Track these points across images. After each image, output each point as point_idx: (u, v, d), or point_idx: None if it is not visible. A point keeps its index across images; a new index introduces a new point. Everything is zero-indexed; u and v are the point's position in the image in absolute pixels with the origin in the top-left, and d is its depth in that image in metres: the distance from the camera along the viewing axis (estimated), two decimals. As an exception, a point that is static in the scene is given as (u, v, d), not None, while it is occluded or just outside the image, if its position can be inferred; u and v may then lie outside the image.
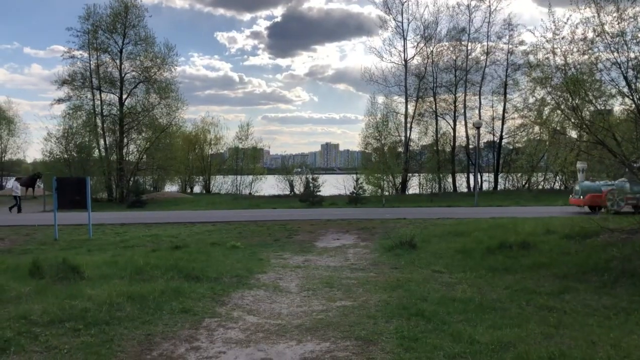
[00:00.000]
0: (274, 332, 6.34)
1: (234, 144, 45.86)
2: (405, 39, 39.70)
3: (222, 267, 10.29)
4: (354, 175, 32.59)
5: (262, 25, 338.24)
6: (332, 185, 24.54)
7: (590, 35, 10.81)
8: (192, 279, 9.02)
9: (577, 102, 11.38)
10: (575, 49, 11.16)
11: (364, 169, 38.55)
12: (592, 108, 11.89)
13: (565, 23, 11.23)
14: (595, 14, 10.66)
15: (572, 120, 11.93)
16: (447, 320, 6.61)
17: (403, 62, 39.53)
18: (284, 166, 43.04)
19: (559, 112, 12.32)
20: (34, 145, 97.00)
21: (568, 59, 11.26)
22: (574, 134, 13.79)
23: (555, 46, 11.38)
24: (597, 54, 11.07)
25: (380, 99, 42.60)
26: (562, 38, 11.25)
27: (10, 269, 9.72)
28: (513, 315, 6.87)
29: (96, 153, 37.58)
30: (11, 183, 26.01)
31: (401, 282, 9.02)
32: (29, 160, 54.21)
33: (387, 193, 36.91)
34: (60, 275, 8.81)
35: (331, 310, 7.29)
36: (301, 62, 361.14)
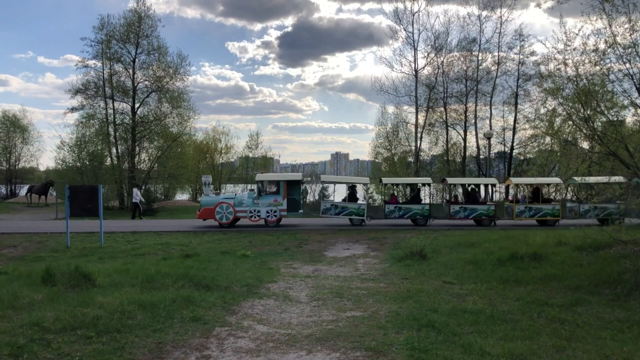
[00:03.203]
0: (284, 342, 6.35)
1: (244, 153, 46.09)
2: (415, 49, 39.74)
3: (233, 275, 10.32)
4: (365, 185, 32.55)
5: (272, 35, 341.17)
6: (342, 194, 24.53)
7: (602, 46, 10.79)
8: (202, 287, 9.05)
9: (588, 113, 11.32)
10: (586, 60, 11.13)
11: (375, 179, 38.50)
12: (604, 119, 11.81)
13: (577, 34, 11.22)
14: (607, 25, 10.65)
15: (584, 131, 11.87)
16: (458, 331, 6.58)
17: (413, 72, 39.55)
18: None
19: (570, 122, 12.26)
20: (47, 153, 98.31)
21: (579, 69, 11.24)
22: (585, 145, 13.69)
23: (566, 57, 11.37)
24: (609, 65, 11.03)
25: (391, 109, 42.67)
26: (574, 49, 11.25)
27: (23, 276, 9.83)
28: (524, 328, 6.82)
29: (108, 161, 37.93)
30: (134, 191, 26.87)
31: (411, 292, 8.99)
32: (42, 168, 54.72)
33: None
34: (73, 283, 8.89)
35: (341, 321, 7.29)
36: (311, 72, 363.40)
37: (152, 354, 5.86)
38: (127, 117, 37.41)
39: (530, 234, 15.13)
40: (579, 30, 11.23)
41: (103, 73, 36.64)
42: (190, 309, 7.60)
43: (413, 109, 39.89)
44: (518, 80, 38.74)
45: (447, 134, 39.96)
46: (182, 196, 46.31)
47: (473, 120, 39.88)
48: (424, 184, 25.12)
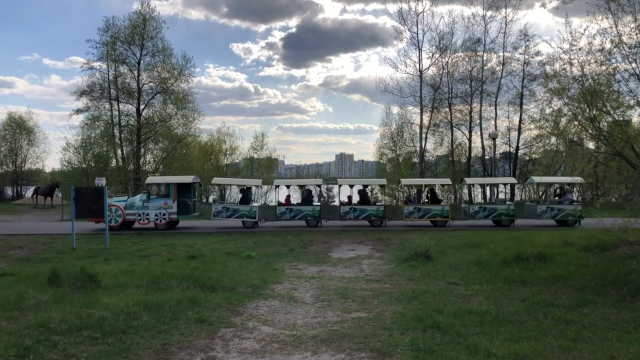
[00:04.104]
0: (289, 343, 6.34)
1: (249, 154, 46.11)
2: (420, 50, 39.70)
3: (238, 277, 10.33)
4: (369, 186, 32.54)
5: (277, 36, 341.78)
6: (347, 195, 24.52)
7: (607, 46, 10.75)
8: (207, 288, 9.06)
9: (594, 113, 11.29)
10: (592, 60, 11.09)
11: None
12: (609, 119, 11.77)
13: (582, 34, 11.19)
14: (613, 25, 10.61)
15: (590, 131, 11.83)
16: (463, 332, 6.56)
17: (418, 72, 39.51)
18: (299, 176, 43.08)
19: (576, 123, 12.23)
20: (52, 155, 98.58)
21: (585, 69, 11.20)
22: (591, 145, 13.64)
23: (572, 57, 11.35)
24: (615, 64, 10.99)
25: (395, 110, 42.56)
26: (579, 49, 11.22)
27: (29, 278, 9.87)
28: (530, 329, 6.80)
29: (114, 163, 38.07)
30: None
31: (416, 293, 8.98)
32: (48, 169, 54.97)
33: (402, 204, 36.72)
34: (78, 284, 8.91)
35: (346, 322, 7.28)
36: (316, 73, 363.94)
37: (157, 355, 5.87)
38: (132, 119, 37.57)
39: (535, 234, 15.07)
40: (585, 30, 11.21)
41: (108, 75, 36.85)
42: (195, 310, 7.61)
43: (418, 110, 39.85)
44: (523, 80, 38.64)
45: (452, 134, 39.89)
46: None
47: (478, 121, 39.81)
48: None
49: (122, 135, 37.61)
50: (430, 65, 39.62)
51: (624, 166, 11.18)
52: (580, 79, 11.28)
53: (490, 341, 6.18)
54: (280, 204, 23.64)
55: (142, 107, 37.25)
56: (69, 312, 7.11)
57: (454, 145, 40.02)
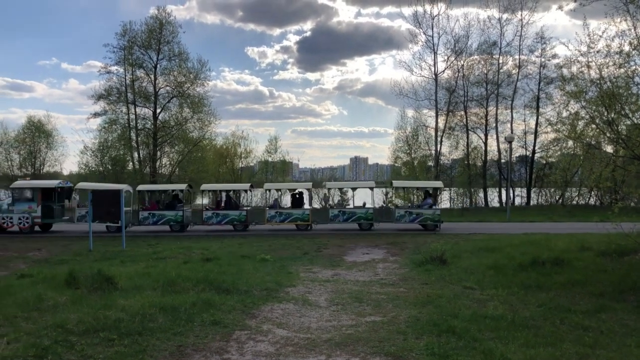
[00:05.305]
0: (304, 346, 6.35)
1: (264, 157, 46.23)
2: (435, 53, 39.54)
3: (252, 279, 10.37)
4: (383, 189, 32.47)
5: (291, 40, 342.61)
6: (361, 198, 24.50)
7: (626, 48, 10.61)
8: (222, 291, 9.11)
9: (612, 116, 11.14)
10: (610, 63, 10.96)
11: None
12: (628, 122, 11.61)
13: (601, 36, 11.05)
14: (632, 27, 10.48)
15: (608, 135, 11.68)
16: (479, 337, 6.51)
17: (433, 75, 39.36)
18: (313, 179, 43.07)
19: (593, 126, 12.07)
20: (70, 158, 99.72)
21: (603, 72, 11.06)
22: (609, 148, 13.45)
23: (589, 59, 11.20)
24: (634, 67, 10.84)
25: (410, 113, 42.46)
26: (597, 51, 11.07)
27: (48, 279, 10.02)
28: (547, 334, 6.72)
29: (130, 166, 38.44)
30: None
31: (431, 298, 8.93)
32: (66, 172, 55.52)
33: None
34: (95, 286, 9.02)
35: (361, 325, 7.27)
36: (330, 76, 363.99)
37: (173, 356, 5.91)
38: (149, 122, 37.95)
39: (552, 238, 14.91)
40: (603, 32, 11.07)
41: (125, 79, 37.29)
42: (210, 312, 7.65)
43: (433, 113, 39.68)
44: (540, 83, 38.29)
45: (467, 137, 39.63)
46: (202, 200, 46.59)
47: (494, 124, 39.52)
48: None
49: (139, 139, 38.00)
50: (445, 69, 39.48)
51: (644, 170, 11.02)
52: (598, 81, 11.15)
53: (505, 346, 6.13)
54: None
55: (158, 110, 37.63)
56: (87, 313, 7.20)
57: (470, 149, 39.76)
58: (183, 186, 25.68)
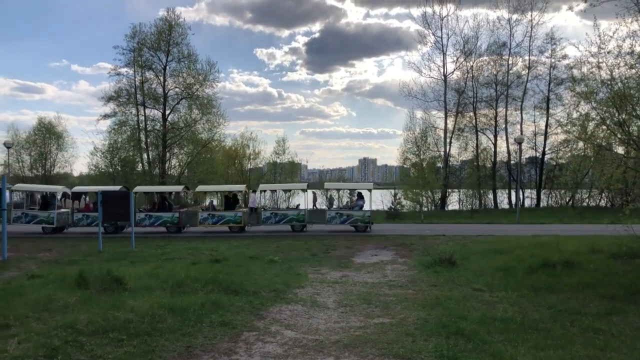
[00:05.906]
0: (312, 348, 6.34)
1: (272, 159, 46.32)
2: (444, 54, 39.52)
3: (261, 280, 10.38)
4: (392, 191, 32.44)
5: (300, 42, 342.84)
6: (370, 200, 24.51)
7: (637, 49, 10.55)
8: (231, 292, 9.12)
9: (623, 117, 11.05)
10: (622, 63, 10.89)
11: (403, 184, 38.31)
12: (639, 123, 11.52)
13: (612, 37, 10.98)
14: (643, 28, 10.40)
15: (619, 136, 11.59)
16: (488, 339, 6.47)
17: (442, 77, 39.31)
18: (322, 181, 43.06)
19: (604, 127, 11.98)
20: (80, 159, 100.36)
21: (614, 73, 10.99)
22: (620, 150, 13.35)
23: (600, 60, 11.14)
24: (646, 68, 10.76)
25: (419, 114, 42.48)
26: (608, 52, 11.00)
27: (58, 280, 10.09)
28: (557, 337, 6.67)
29: (139, 167, 38.65)
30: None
31: (440, 299, 8.89)
32: (76, 173, 55.94)
33: (425, 209, 36.54)
34: (105, 286, 9.08)
35: (369, 327, 7.25)
36: (339, 78, 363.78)
37: (181, 357, 5.93)
38: (158, 124, 38.18)
39: (562, 240, 14.79)
40: (614, 33, 11.01)
41: (135, 80, 37.55)
42: (219, 313, 7.67)
43: (442, 114, 39.64)
44: (550, 84, 38.10)
45: (477, 139, 39.51)
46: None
47: (503, 125, 39.37)
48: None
49: (148, 140, 38.24)
50: (454, 70, 39.44)
51: (655, 172, 10.93)
52: (609, 82, 11.08)
53: (515, 349, 6.09)
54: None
55: (167, 112, 37.85)
56: (96, 313, 7.24)
57: (479, 150, 39.61)
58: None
